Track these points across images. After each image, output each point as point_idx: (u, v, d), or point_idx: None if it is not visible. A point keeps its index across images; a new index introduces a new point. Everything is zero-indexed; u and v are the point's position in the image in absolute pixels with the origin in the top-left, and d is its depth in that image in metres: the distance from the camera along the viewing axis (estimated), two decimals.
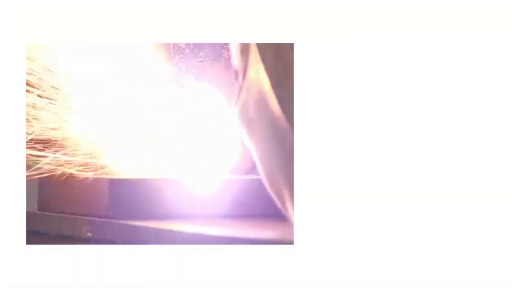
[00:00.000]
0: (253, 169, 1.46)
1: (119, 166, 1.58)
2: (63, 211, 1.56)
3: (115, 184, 1.49)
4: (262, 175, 1.15)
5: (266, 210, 1.30)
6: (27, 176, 1.35)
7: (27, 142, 1.49)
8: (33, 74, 1.56)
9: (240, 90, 1.13)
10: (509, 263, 1.12)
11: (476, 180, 1.25)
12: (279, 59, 1.16)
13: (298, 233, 1.24)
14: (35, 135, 1.54)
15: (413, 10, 1.30)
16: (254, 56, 1.12)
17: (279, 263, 1.19)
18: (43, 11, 1.28)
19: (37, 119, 1.56)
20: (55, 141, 1.57)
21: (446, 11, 1.30)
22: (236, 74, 1.16)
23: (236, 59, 1.19)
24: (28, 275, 1.18)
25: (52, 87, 1.59)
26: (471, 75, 1.30)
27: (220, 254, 1.22)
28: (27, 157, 1.44)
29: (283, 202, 1.10)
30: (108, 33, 1.30)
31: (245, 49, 1.16)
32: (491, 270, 1.12)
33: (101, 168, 1.58)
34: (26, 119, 1.48)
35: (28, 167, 1.48)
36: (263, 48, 1.14)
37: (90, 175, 1.52)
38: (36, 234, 1.52)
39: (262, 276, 1.16)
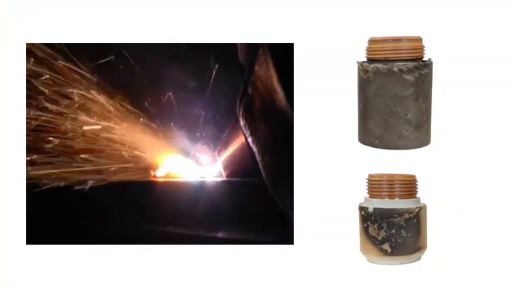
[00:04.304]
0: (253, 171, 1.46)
1: None
2: None
3: None
4: (263, 172, 1.14)
5: (267, 211, 1.30)
6: None
7: None
8: None
9: (246, 86, 1.12)
10: None
11: None
12: None
13: (298, 233, 1.24)
14: None
15: (411, 11, 1.30)
16: (262, 51, 1.10)
17: (279, 263, 1.19)
18: (43, 10, 1.29)
19: None
20: None
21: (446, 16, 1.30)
22: (242, 70, 1.15)
23: (243, 55, 1.18)
24: (28, 275, 1.19)
25: None
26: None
27: (221, 254, 1.22)
28: None
29: (284, 202, 1.10)
30: (108, 33, 1.30)
31: (252, 44, 1.14)
32: None
33: None
34: None
35: None
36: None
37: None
38: None
39: (263, 276, 1.16)
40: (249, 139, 1.15)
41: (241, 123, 1.16)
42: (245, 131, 1.16)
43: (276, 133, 1.09)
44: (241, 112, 1.15)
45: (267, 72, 1.08)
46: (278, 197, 1.12)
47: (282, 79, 1.06)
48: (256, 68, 1.10)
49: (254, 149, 1.14)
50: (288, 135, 1.08)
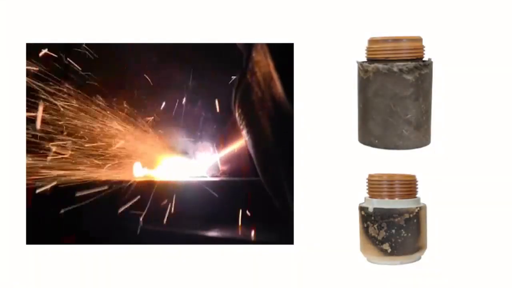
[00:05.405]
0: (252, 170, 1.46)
1: None
2: None
3: None
4: (257, 166, 1.13)
5: (265, 211, 1.30)
6: None
7: None
8: None
9: (243, 73, 1.11)
10: None
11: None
12: None
13: (298, 233, 1.24)
14: None
15: (411, 11, 1.30)
16: (261, 47, 1.09)
17: (279, 263, 1.19)
18: (44, 10, 1.29)
19: None
20: None
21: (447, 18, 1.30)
22: (240, 57, 1.14)
23: (240, 42, 1.17)
24: (28, 275, 1.19)
25: None
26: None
27: (220, 254, 1.22)
28: None
29: (282, 200, 1.10)
30: (108, 33, 1.30)
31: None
32: None
33: None
34: None
35: None
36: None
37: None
38: None
39: (263, 276, 1.16)
40: (244, 130, 1.14)
41: (237, 113, 1.16)
42: (240, 122, 1.15)
43: (274, 124, 1.08)
44: (237, 104, 1.14)
45: (264, 58, 1.08)
46: (276, 196, 1.12)
47: (280, 70, 1.05)
48: (253, 54, 1.10)
49: (249, 141, 1.14)
50: (286, 126, 1.07)
